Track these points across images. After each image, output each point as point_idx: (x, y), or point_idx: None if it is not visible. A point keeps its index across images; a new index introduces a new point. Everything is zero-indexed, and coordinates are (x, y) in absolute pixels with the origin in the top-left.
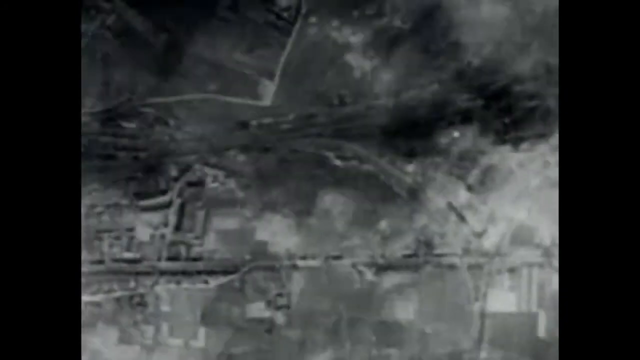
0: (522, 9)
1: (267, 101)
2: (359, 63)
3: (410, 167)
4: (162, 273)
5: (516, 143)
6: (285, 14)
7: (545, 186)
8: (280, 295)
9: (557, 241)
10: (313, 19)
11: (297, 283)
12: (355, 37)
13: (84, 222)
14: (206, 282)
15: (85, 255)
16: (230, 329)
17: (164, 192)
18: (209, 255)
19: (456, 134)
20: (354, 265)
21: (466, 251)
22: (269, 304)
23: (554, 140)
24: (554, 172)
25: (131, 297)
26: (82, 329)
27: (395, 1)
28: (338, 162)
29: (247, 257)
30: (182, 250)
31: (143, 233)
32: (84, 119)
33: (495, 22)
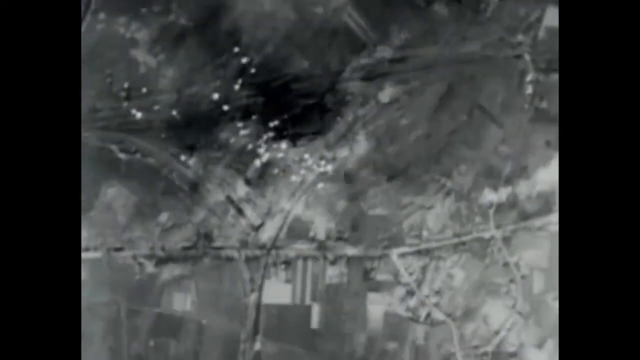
0: (303, 10)
1: None
2: (145, 59)
3: (192, 161)
4: None
5: (294, 139)
6: None
7: (321, 181)
8: None
9: (331, 234)
10: (101, 15)
11: None
12: (141, 33)
13: None
14: None
15: None
16: None
17: None
18: None
19: (240, 125)
20: (134, 257)
21: (244, 244)
22: None
23: (331, 137)
24: (330, 167)
25: None
26: None
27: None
28: (122, 156)
29: None
30: None
31: None
32: None
33: (277, 22)
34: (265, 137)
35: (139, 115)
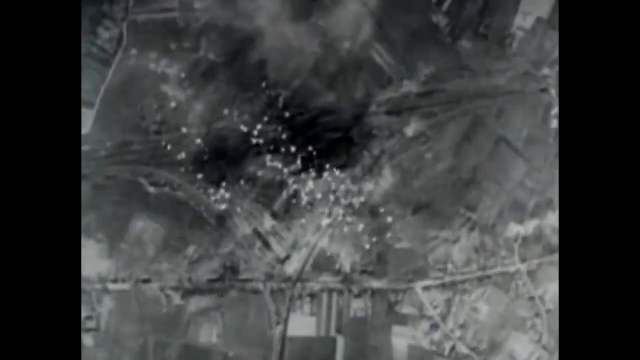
0: (330, 45)
1: (86, 129)
2: (175, 93)
3: (219, 195)
4: None
5: (320, 172)
6: (107, 46)
7: (347, 214)
8: (89, 318)
9: (356, 267)
10: (133, 51)
11: (106, 306)
12: (171, 68)
13: None
14: None
15: None
16: None
17: None
18: None
19: (267, 158)
20: (162, 289)
21: (269, 276)
22: None
23: (357, 170)
24: (356, 200)
25: None
26: None
27: (210, 36)
28: (151, 189)
29: None
30: None
31: None
32: None
33: (304, 57)
34: (292, 170)
35: (168, 148)
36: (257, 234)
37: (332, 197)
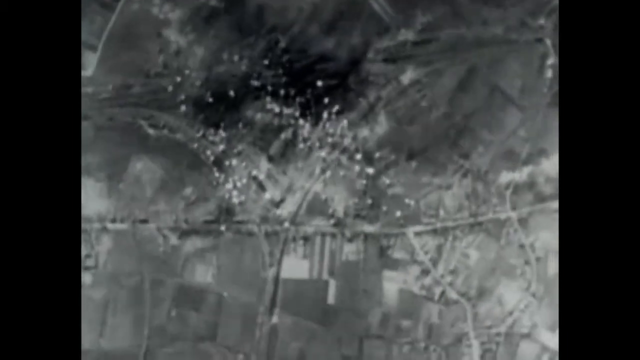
0: None
1: (89, 72)
2: (176, 38)
3: (217, 138)
4: None
5: (317, 117)
6: None
7: (342, 159)
8: (88, 256)
9: (349, 212)
10: None
11: (105, 245)
12: (173, 13)
13: None
14: None
15: None
16: None
17: None
18: None
19: (265, 103)
20: (159, 229)
21: (264, 219)
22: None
23: (354, 116)
24: (351, 146)
25: None
26: None
27: None
28: (151, 131)
29: None
30: None
31: None
32: None
33: (303, 4)
34: (289, 114)
35: (168, 92)
36: (253, 177)
37: (328, 142)
